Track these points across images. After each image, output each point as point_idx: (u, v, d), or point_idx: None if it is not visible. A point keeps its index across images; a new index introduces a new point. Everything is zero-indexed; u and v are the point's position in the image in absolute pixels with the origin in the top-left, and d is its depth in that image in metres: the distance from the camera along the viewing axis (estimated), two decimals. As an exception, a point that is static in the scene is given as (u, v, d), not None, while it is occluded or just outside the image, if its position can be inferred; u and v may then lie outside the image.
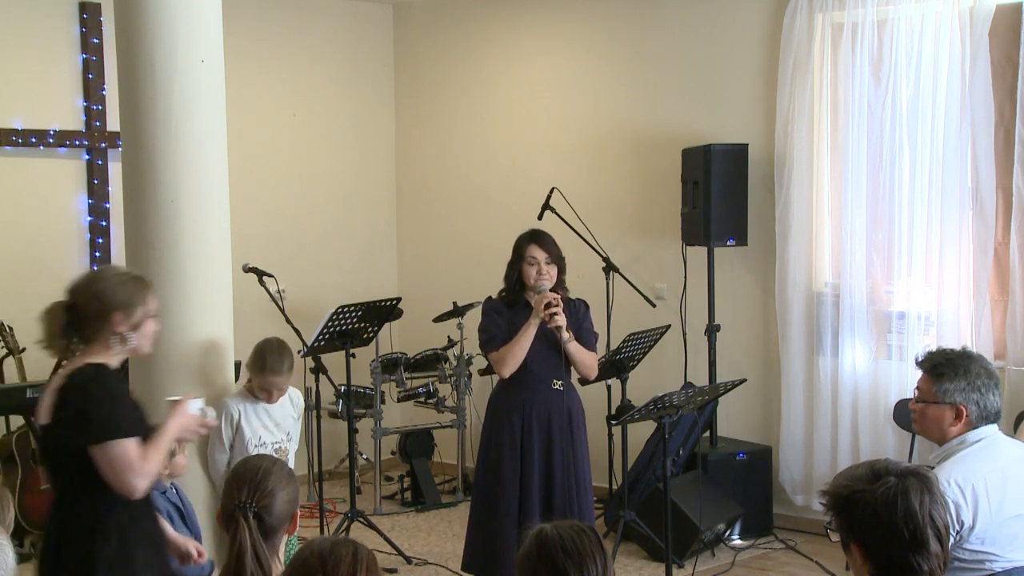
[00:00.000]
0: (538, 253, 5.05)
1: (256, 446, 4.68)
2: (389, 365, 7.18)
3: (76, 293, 3.42)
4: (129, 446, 3.30)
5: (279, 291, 6.22)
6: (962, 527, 3.34)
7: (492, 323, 5.10)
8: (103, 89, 6.80)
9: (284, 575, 2.51)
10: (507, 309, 5.12)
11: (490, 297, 5.24)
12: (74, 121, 6.80)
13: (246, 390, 4.81)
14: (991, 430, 3.53)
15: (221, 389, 4.68)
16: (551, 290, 5.01)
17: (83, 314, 3.38)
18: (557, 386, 5.12)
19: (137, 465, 3.31)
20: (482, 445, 5.24)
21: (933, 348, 3.99)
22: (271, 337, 5.05)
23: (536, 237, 5.12)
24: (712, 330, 6.58)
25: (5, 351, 6.27)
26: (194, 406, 3.59)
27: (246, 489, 2.83)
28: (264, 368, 4.87)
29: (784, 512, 6.60)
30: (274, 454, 4.66)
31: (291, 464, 4.76)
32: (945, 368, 3.55)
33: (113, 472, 3.29)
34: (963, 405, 3.50)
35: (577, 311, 5.20)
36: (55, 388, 3.34)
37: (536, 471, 5.05)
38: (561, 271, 5.12)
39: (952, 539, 3.32)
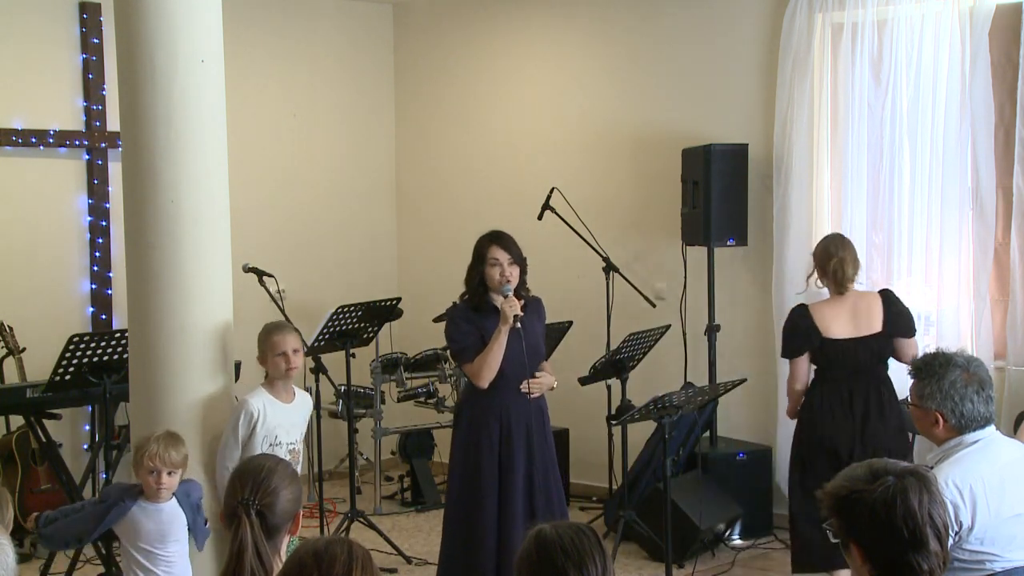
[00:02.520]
0: (500, 255, 4.91)
1: (272, 445, 4.61)
2: (389, 365, 7.18)
3: (842, 248, 5.15)
4: None
5: (279, 291, 6.21)
6: (961, 528, 3.34)
7: (462, 332, 4.95)
8: (103, 89, 6.81)
9: (280, 574, 2.52)
10: (475, 314, 4.96)
11: (455, 303, 5.07)
12: (74, 121, 6.80)
13: (264, 388, 4.76)
14: (988, 431, 3.53)
15: (221, 389, 4.67)
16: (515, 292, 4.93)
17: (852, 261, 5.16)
18: (523, 389, 5.00)
19: None
20: (457, 453, 5.05)
21: (932, 348, 3.99)
22: None
23: (497, 238, 4.97)
24: (712, 330, 6.58)
25: (5, 351, 6.27)
26: None
27: (249, 487, 2.84)
28: (269, 334, 4.74)
29: (784, 512, 6.56)
30: (288, 455, 4.61)
31: (299, 466, 4.74)
32: (923, 373, 3.57)
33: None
34: (939, 412, 3.50)
35: (540, 310, 5.14)
36: (878, 305, 5.14)
37: (519, 478, 4.94)
38: (523, 271, 4.99)
39: (951, 540, 3.31)
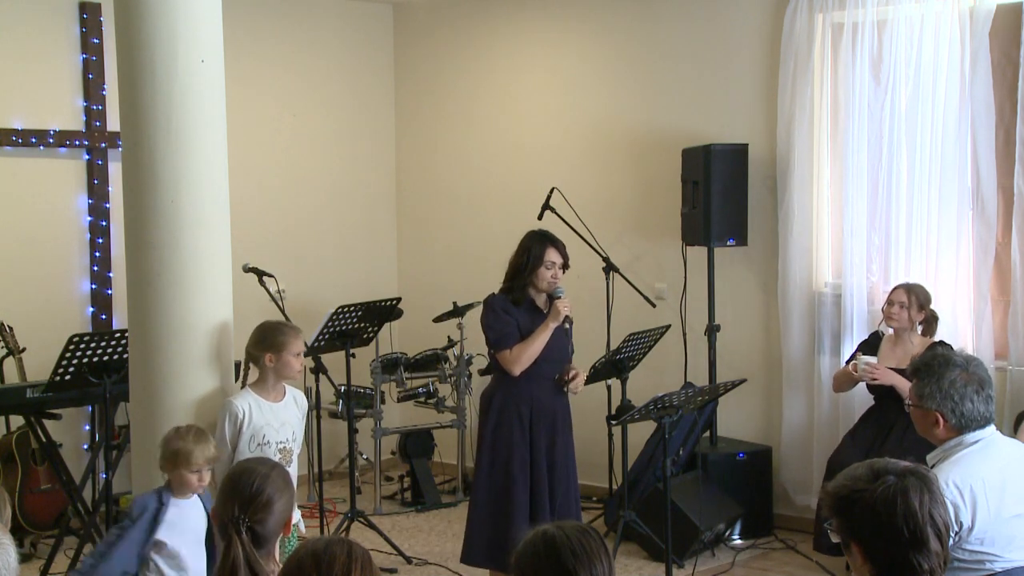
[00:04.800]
0: (557, 258, 5.18)
1: (260, 444, 4.61)
2: (389, 365, 7.18)
3: None
4: None
5: (279, 291, 6.21)
6: (961, 528, 3.33)
7: (503, 322, 5.15)
8: (103, 89, 6.80)
9: (279, 575, 2.52)
10: (513, 307, 5.18)
11: (494, 294, 5.27)
12: (74, 121, 6.79)
13: (252, 389, 4.75)
14: (988, 431, 3.51)
15: (221, 389, 4.67)
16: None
17: None
18: (558, 381, 5.26)
19: None
20: (486, 440, 5.24)
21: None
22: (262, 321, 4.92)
23: (554, 241, 5.22)
24: (712, 330, 6.58)
25: (5, 351, 6.27)
26: None
27: (239, 502, 2.84)
28: (283, 334, 4.69)
29: (784, 512, 6.60)
30: (278, 454, 4.61)
31: (294, 465, 4.73)
32: (922, 373, 3.55)
33: None
34: (939, 412, 3.48)
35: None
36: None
37: (544, 464, 5.17)
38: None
39: (951, 540, 3.31)
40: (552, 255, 5.16)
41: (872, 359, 5.73)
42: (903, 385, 5.45)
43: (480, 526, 5.23)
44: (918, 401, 3.54)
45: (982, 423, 3.50)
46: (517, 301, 5.18)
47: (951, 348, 5.28)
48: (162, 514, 4.09)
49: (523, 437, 5.16)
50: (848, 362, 5.94)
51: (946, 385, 3.48)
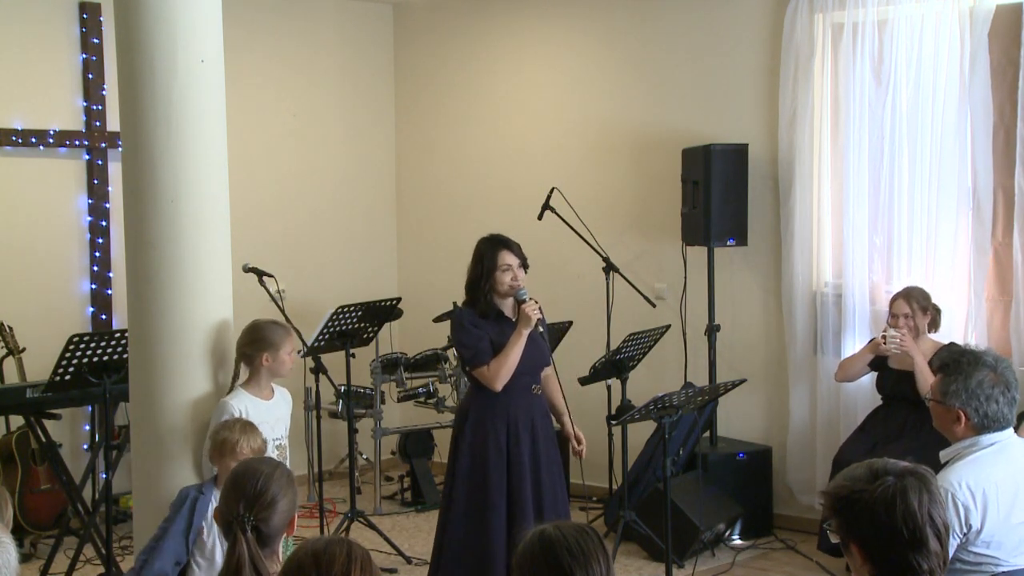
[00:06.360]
0: (512, 260, 4.92)
1: None
2: (389, 365, 7.18)
3: None
4: None
5: (279, 291, 6.21)
6: (969, 530, 3.30)
7: (475, 337, 4.90)
8: (103, 89, 6.81)
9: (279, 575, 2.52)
10: (482, 320, 4.94)
11: (460, 308, 5.04)
12: (74, 121, 6.80)
13: (243, 388, 4.75)
14: (1006, 434, 3.47)
15: (221, 389, 4.67)
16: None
17: None
18: (536, 391, 5.02)
19: None
20: (461, 453, 5.00)
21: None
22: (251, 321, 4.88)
23: (506, 243, 4.96)
24: (712, 330, 6.58)
25: (5, 351, 6.27)
26: None
27: (244, 500, 2.84)
28: (275, 334, 4.70)
29: (784, 512, 6.60)
30: (275, 451, 4.63)
31: (288, 463, 4.74)
32: (950, 370, 3.49)
33: None
34: (962, 411, 3.44)
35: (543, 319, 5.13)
36: None
37: (528, 478, 4.93)
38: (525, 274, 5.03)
39: (958, 541, 3.30)
40: (507, 257, 4.90)
41: (901, 331, 5.65)
42: (924, 367, 5.44)
43: (454, 546, 4.98)
44: (942, 397, 3.48)
45: (1003, 425, 3.46)
46: (484, 313, 4.92)
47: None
48: (200, 503, 4.12)
49: (499, 453, 4.91)
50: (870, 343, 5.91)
51: (973, 385, 3.43)
